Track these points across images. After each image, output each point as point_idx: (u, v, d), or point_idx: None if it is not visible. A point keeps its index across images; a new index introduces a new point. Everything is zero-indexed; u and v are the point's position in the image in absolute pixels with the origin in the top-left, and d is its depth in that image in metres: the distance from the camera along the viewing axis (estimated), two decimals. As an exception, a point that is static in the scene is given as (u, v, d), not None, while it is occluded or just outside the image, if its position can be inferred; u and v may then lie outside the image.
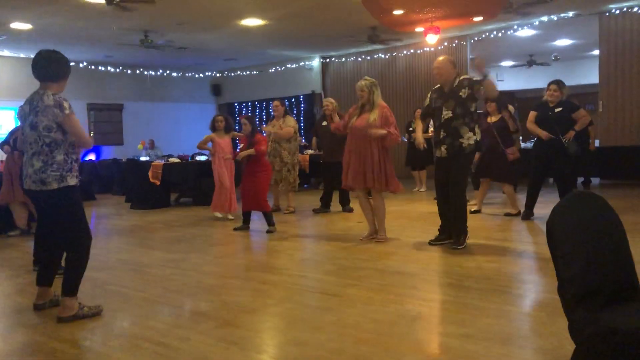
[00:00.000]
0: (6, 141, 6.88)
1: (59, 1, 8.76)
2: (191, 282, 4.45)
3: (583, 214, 1.79)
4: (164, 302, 3.91)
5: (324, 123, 8.05)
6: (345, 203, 8.23)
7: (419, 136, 5.69)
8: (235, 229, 6.91)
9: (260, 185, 6.76)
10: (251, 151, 6.72)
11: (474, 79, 5.23)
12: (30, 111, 3.57)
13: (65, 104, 3.52)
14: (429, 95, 5.54)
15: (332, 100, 7.75)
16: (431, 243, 5.48)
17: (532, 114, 6.77)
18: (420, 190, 10.52)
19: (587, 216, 1.78)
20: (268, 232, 6.65)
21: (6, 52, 13.05)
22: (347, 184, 5.85)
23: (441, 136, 5.29)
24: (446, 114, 5.22)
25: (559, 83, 6.71)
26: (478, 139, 5.28)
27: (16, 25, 10.25)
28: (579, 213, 1.79)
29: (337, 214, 8.02)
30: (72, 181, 3.57)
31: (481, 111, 6.82)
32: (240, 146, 7.02)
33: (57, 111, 3.49)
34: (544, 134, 6.56)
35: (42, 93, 3.56)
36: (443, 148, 5.27)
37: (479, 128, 5.33)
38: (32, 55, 3.68)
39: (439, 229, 5.57)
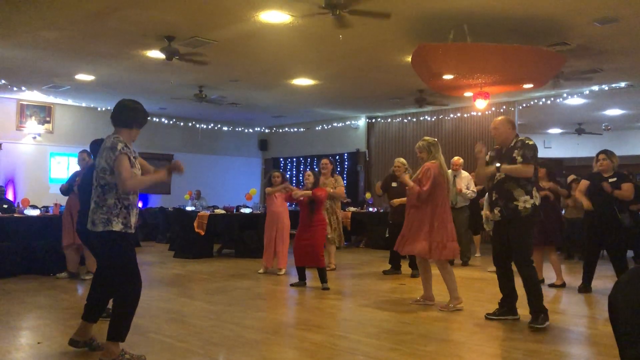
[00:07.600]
0: (70, 188, 6.84)
1: (123, 56, 9.26)
2: (231, 335, 4.43)
3: (648, 291, 1.73)
4: (204, 354, 3.89)
5: (394, 184, 7.84)
6: (414, 267, 7.59)
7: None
8: (292, 285, 6.84)
9: (317, 239, 6.52)
10: (308, 192, 6.54)
11: (526, 142, 4.92)
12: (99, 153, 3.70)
13: (119, 145, 3.54)
14: (488, 154, 5.21)
15: (403, 160, 7.45)
16: (488, 317, 5.03)
17: (584, 183, 6.67)
18: (475, 255, 10.26)
19: (652, 293, 1.72)
20: (324, 289, 6.47)
21: (69, 101, 13.73)
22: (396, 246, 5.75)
23: (494, 198, 5.00)
24: (499, 175, 4.92)
25: (607, 152, 6.61)
26: (537, 204, 4.88)
27: (80, 76, 10.84)
28: (643, 290, 1.73)
29: (379, 275, 7.91)
30: (117, 227, 3.53)
31: None
32: (301, 198, 6.68)
33: (110, 153, 3.54)
34: (587, 203, 6.45)
35: (109, 137, 3.68)
36: (496, 211, 4.95)
37: (537, 192, 4.97)
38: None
39: (499, 302, 5.11)
